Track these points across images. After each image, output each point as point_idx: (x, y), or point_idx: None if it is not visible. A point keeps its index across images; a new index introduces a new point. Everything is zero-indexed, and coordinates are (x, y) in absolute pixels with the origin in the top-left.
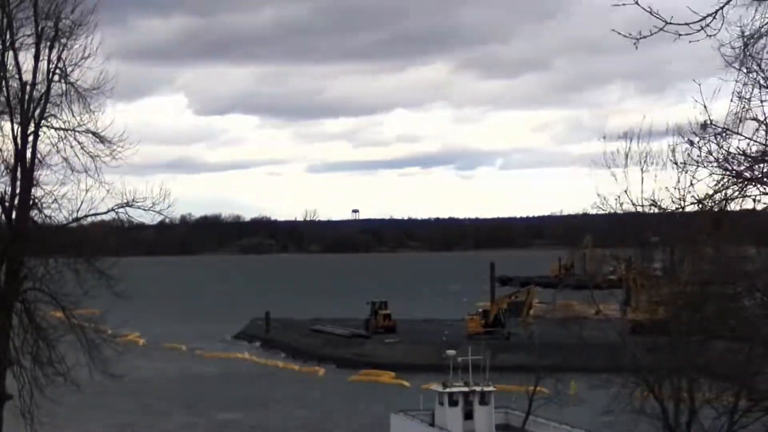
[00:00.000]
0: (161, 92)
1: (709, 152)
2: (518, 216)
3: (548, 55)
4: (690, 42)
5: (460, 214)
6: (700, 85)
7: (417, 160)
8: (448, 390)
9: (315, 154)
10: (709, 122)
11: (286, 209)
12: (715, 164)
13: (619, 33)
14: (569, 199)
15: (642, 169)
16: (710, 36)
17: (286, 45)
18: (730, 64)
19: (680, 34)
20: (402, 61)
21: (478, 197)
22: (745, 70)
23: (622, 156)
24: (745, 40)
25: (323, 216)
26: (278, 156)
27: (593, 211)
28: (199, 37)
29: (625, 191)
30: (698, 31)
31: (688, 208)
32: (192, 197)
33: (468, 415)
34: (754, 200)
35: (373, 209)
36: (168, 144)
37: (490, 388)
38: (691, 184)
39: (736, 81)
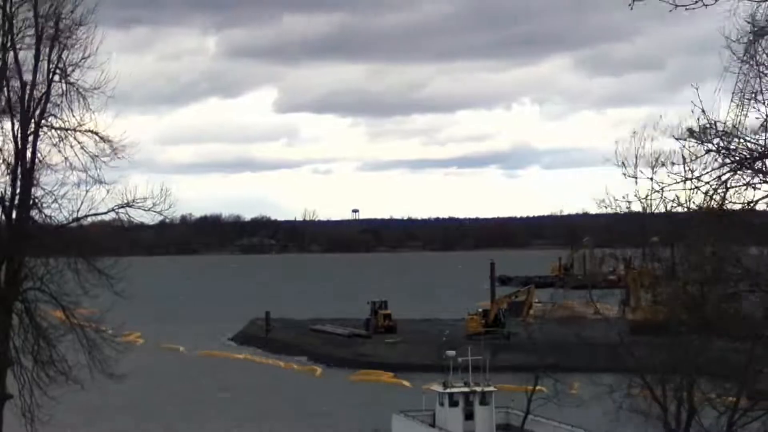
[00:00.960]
0: (260, 88)
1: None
2: (518, 216)
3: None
4: (686, 9)
5: (461, 214)
6: (697, 88)
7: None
8: (448, 390)
9: (375, 153)
10: (709, 123)
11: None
12: (718, 156)
13: None
14: (569, 199)
15: (653, 168)
16: (707, 6)
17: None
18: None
19: (677, 5)
20: (511, 60)
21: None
22: (754, 64)
23: (632, 155)
24: (754, 34)
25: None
26: (337, 154)
27: (600, 210)
28: (343, 34)
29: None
30: (695, 1)
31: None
32: (233, 196)
33: (468, 416)
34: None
35: (374, 209)
36: (237, 142)
37: (491, 389)
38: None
39: (740, 75)
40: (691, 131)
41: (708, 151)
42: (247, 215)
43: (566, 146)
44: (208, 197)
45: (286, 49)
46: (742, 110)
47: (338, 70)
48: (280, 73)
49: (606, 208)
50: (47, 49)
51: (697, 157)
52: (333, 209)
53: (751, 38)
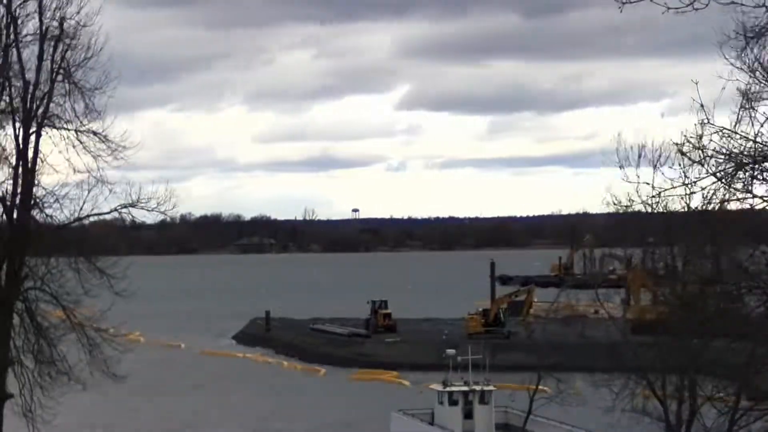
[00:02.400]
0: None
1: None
2: (518, 215)
3: None
4: (678, 13)
5: (463, 213)
6: (697, 83)
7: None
8: (447, 389)
9: (459, 152)
10: (708, 120)
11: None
12: (719, 158)
13: None
14: (570, 199)
15: (654, 167)
16: (697, 10)
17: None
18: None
19: (668, 8)
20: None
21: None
22: (746, 68)
23: (635, 155)
24: (747, 37)
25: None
26: (426, 152)
27: (604, 210)
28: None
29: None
30: (687, 5)
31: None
32: (301, 195)
33: (468, 415)
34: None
35: (374, 208)
36: (333, 140)
37: (490, 388)
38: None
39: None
40: (687, 137)
41: (705, 157)
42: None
43: None
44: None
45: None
46: (739, 113)
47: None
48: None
49: (611, 206)
50: (51, 49)
51: (693, 162)
52: (333, 209)
53: (746, 41)
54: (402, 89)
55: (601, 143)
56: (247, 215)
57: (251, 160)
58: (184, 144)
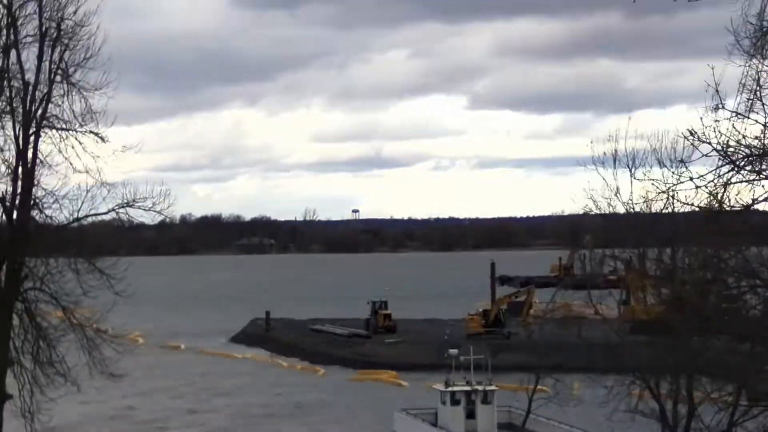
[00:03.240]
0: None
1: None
2: (518, 216)
3: None
4: (689, 0)
5: (461, 213)
6: (713, 68)
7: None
8: (450, 389)
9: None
10: (721, 105)
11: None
12: (715, 154)
13: None
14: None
15: (631, 171)
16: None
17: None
18: (747, 52)
19: None
20: None
21: None
22: (760, 58)
23: (610, 158)
24: (765, 29)
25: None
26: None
27: (585, 212)
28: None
29: (616, 194)
30: None
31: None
32: (337, 194)
33: (470, 414)
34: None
35: (374, 209)
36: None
37: (492, 387)
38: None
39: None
40: (691, 131)
41: (708, 153)
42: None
43: None
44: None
45: None
46: (747, 109)
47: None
48: None
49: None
50: (50, 50)
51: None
52: (333, 209)
53: (759, 35)
54: (479, 88)
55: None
56: (248, 216)
57: (298, 159)
58: (243, 143)
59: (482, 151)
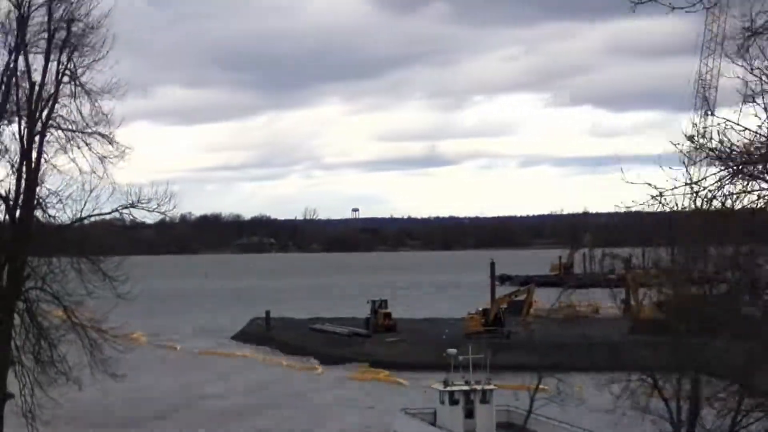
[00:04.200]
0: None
1: (711, 149)
2: (518, 215)
3: None
4: (686, 11)
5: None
6: (701, 80)
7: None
8: (449, 389)
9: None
10: (710, 113)
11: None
12: (716, 160)
13: None
14: (570, 199)
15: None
16: (708, 9)
17: None
18: (731, 58)
19: (674, 7)
20: None
21: None
22: (747, 66)
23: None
24: (748, 33)
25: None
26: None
27: (598, 209)
28: None
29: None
30: (694, 4)
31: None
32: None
33: (469, 414)
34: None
35: (374, 208)
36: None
37: (491, 387)
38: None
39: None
40: (689, 136)
41: (707, 156)
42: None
43: None
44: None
45: None
46: (740, 112)
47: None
48: None
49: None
50: (58, 51)
51: (696, 160)
52: (333, 208)
53: (745, 38)
54: (570, 87)
55: None
56: (248, 215)
57: (350, 158)
58: (308, 141)
59: (536, 149)
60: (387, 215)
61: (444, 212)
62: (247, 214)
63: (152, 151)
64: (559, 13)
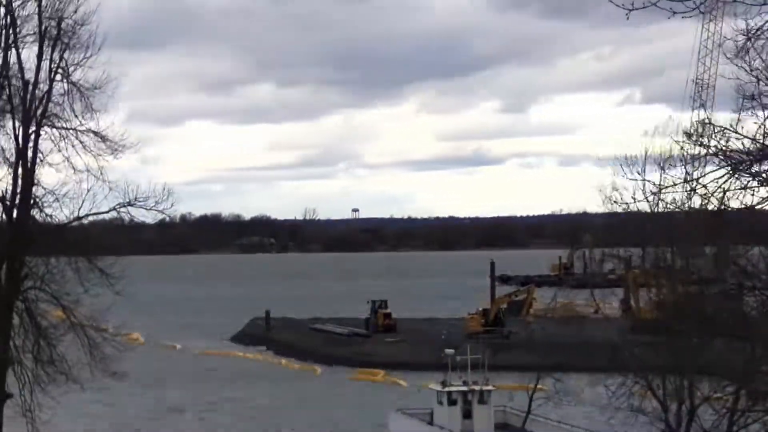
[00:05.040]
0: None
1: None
2: (518, 215)
3: None
4: (683, 17)
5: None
6: (696, 82)
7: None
8: (446, 389)
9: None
10: (708, 120)
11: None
12: (716, 159)
13: (612, 2)
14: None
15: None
16: (703, 13)
17: None
18: (731, 60)
19: (674, 12)
20: None
21: None
22: (746, 66)
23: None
24: (748, 36)
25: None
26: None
27: (597, 209)
28: None
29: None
30: (693, 9)
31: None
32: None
33: (467, 415)
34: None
35: (374, 208)
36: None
37: (489, 387)
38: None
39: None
40: (689, 134)
41: (706, 154)
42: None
43: None
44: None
45: None
46: (739, 113)
47: None
48: None
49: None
50: (50, 49)
51: (694, 159)
52: (333, 209)
53: (744, 40)
54: (648, 86)
55: None
56: (247, 215)
57: (397, 158)
58: (367, 142)
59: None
60: (386, 215)
61: (486, 211)
62: (247, 214)
63: (217, 147)
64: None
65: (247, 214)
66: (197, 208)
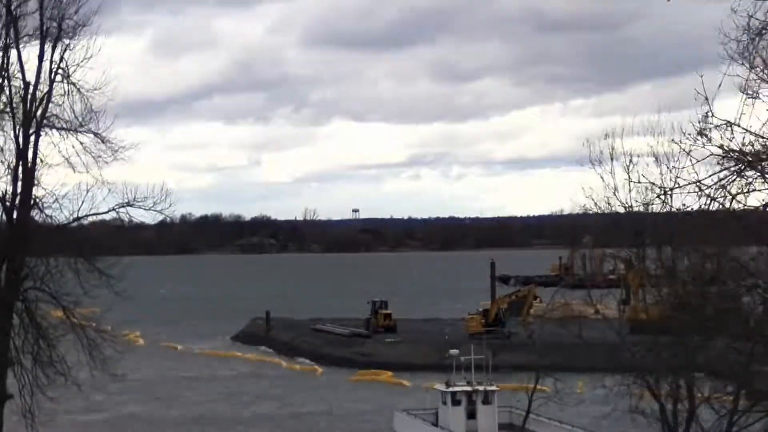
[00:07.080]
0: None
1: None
2: (518, 215)
3: None
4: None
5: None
6: (702, 76)
7: None
8: (451, 389)
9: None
10: (710, 114)
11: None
12: (717, 156)
13: None
14: (570, 198)
15: (628, 169)
16: None
17: None
18: (734, 59)
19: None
20: None
21: None
22: (748, 65)
23: (607, 156)
24: (751, 35)
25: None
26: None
27: (582, 212)
28: None
29: (614, 192)
30: None
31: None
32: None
33: (471, 415)
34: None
35: (374, 209)
36: None
37: (493, 388)
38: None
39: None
40: (700, 132)
41: (711, 154)
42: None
43: None
44: None
45: None
46: (742, 110)
47: None
48: None
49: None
50: (50, 49)
51: (698, 161)
52: (333, 209)
53: (750, 38)
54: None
55: None
56: (248, 215)
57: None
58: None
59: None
60: (386, 216)
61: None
62: (248, 214)
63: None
64: None
65: (248, 214)
66: (197, 208)
